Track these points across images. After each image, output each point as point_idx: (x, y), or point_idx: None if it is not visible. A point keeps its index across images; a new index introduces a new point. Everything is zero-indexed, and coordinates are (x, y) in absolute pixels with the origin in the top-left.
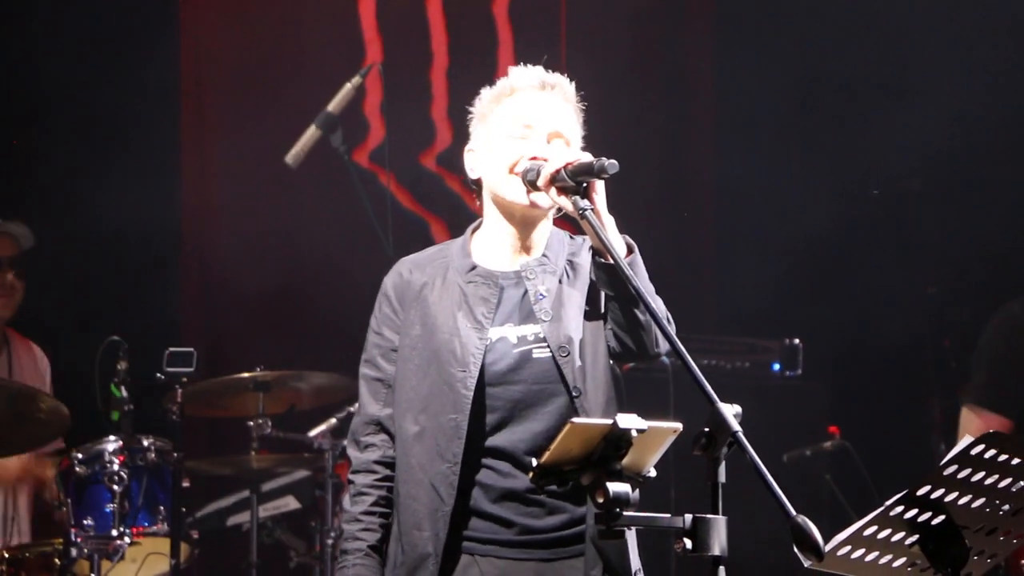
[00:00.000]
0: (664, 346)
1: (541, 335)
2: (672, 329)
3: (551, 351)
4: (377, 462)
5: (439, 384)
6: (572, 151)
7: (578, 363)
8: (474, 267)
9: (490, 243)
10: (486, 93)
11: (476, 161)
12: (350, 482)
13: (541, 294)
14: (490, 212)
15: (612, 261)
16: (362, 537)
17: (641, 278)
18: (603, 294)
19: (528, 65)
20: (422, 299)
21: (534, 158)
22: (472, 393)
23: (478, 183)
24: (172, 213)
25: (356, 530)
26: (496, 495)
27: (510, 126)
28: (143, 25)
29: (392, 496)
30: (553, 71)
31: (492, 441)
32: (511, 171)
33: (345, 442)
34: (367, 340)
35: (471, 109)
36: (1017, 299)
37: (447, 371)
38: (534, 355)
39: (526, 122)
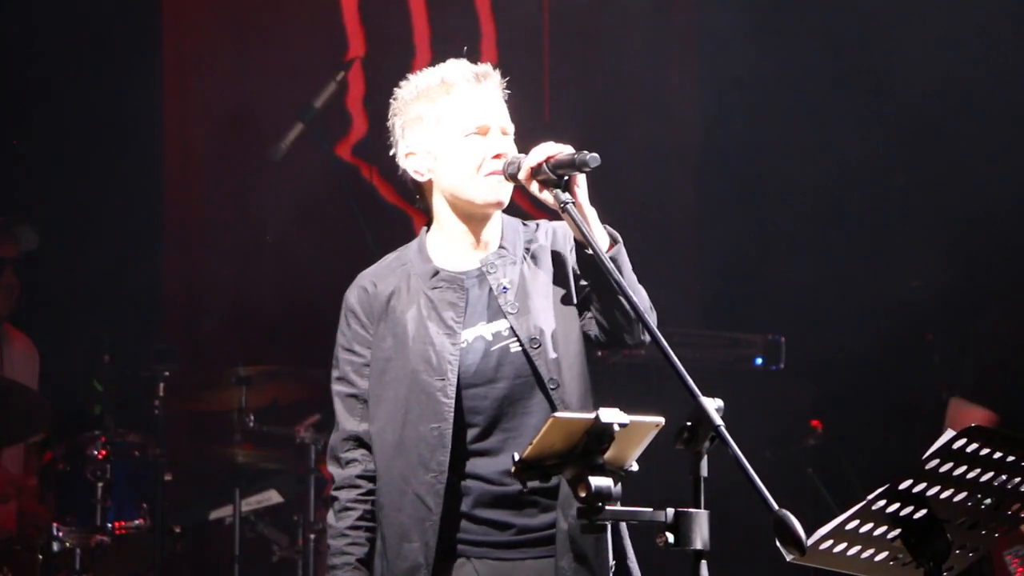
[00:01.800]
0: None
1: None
2: (654, 318)
3: (521, 345)
4: (360, 476)
5: (417, 395)
6: (553, 145)
7: (552, 355)
8: (437, 272)
9: (447, 243)
10: (408, 93)
11: (422, 164)
12: (334, 499)
13: (504, 287)
14: (443, 212)
15: (610, 243)
16: (349, 551)
17: (624, 269)
18: (573, 281)
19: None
20: (390, 310)
21: (497, 156)
22: (453, 401)
23: (426, 185)
24: (155, 209)
25: (343, 544)
26: (490, 499)
27: (463, 125)
28: (126, 21)
29: (376, 510)
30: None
31: (482, 444)
32: (479, 171)
33: (326, 459)
34: (337, 357)
35: (392, 117)
36: (1012, 294)
37: (423, 380)
38: (512, 350)
39: (480, 122)
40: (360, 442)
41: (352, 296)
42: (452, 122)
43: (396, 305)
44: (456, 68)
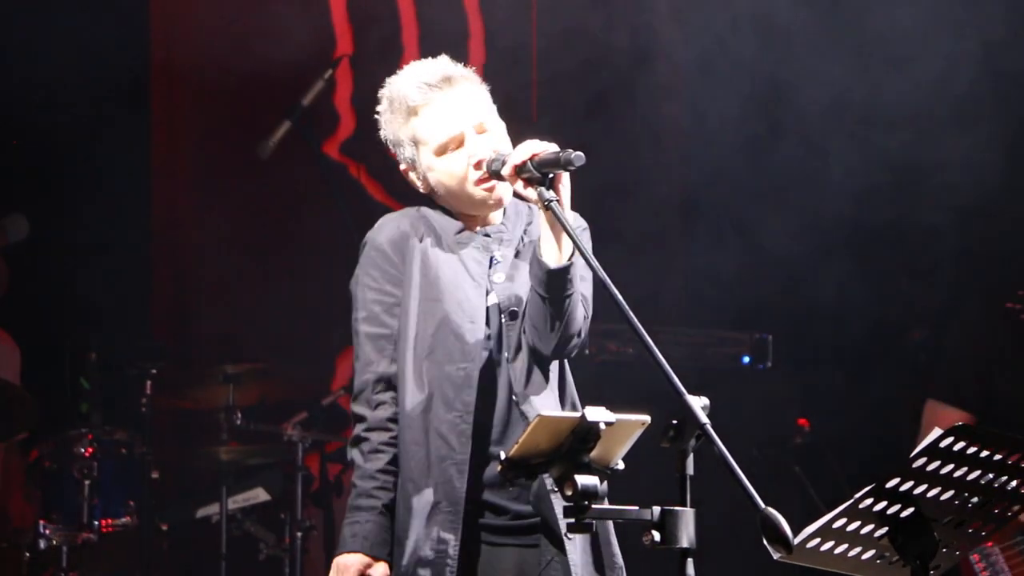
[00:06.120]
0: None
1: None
2: (587, 327)
3: (501, 314)
4: (390, 419)
5: (445, 333)
6: (538, 142)
7: (517, 330)
8: (462, 229)
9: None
10: (383, 111)
11: (420, 180)
12: (363, 439)
13: (496, 260)
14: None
15: (569, 257)
16: (377, 495)
17: (575, 280)
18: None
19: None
20: (422, 252)
21: (479, 163)
22: (481, 342)
23: (431, 193)
24: (143, 205)
25: (371, 487)
26: (489, 481)
27: (436, 145)
28: (113, 18)
29: (399, 446)
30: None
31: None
32: (466, 183)
33: (352, 400)
34: (361, 297)
35: (381, 132)
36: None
37: (454, 321)
38: (503, 320)
39: (451, 133)
40: (389, 383)
41: (382, 235)
42: (426, 143)
43: (427, 248)
44: (417, 84)
